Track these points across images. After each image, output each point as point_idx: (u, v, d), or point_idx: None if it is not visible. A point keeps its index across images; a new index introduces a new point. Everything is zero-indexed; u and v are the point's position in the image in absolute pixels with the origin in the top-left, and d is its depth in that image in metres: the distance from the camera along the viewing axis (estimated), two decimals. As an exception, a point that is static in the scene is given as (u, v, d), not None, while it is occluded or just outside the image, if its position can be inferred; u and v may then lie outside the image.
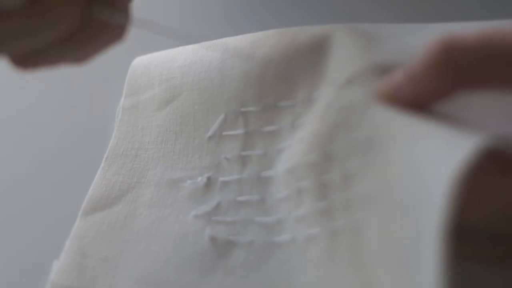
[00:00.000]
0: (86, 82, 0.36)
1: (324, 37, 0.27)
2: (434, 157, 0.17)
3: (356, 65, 0.24)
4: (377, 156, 0.21)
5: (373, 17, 0.35)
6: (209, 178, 0.27)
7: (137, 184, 0.28)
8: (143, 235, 0.26)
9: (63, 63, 0.25)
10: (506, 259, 0.20)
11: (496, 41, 0.17)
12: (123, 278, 0.25)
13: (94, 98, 0.35)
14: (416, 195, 0.17)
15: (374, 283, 0.20)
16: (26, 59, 0.23)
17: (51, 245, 0.27)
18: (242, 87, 0.28)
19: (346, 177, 0.22)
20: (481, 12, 0.33)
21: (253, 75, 0.28)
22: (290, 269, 0.23)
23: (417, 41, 0.23)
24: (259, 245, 0.24)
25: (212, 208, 0.26)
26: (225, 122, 0.28)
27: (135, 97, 0.31)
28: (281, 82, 0.27)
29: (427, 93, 0.19)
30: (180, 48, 0.31)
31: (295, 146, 0.25)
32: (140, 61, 0.32)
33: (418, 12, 0.35)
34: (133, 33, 0.29)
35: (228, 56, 0.29)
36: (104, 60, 0.35)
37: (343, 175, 0.23)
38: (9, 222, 0.30)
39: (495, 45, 0.17)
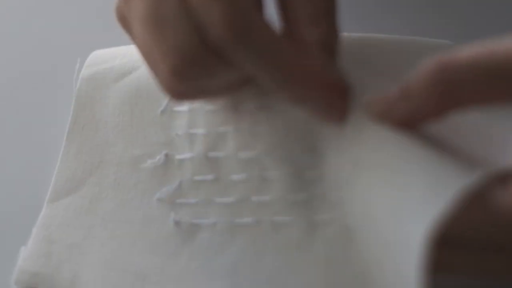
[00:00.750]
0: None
1: None
2: (418, 198, 0.18)
3: None
4: (363, 179, 0.22)
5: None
6: (166, 156, 0.27)
7: (100, 163, 0.28)
8: (108, 220, 0.26)
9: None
10: (491, 267, 0.21)
11: (490, 59, 0.17)
12: (89, 263, 0.25)
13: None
14: (397, 234, 0.19)
15: (368, 273, 0.21)
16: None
17: (19, 232, 0.27)
18: None
19: (337, 181, 0.23)
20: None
21: None
22: (256, 251, 0.24)
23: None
24: (222, 226, 0.25)
25: (174, 190, 0.26)
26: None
27: (94, 67, 0.31)
28: None
29: (421, 112, 0.20)
30: None
31: (262, 133, 0.26)
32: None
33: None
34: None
35: None
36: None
37: (335, 178, 0.24)
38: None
39: (489, 63, 0.17)
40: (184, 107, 0.28)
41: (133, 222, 0.26)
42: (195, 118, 0.27)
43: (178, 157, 0.27)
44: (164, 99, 0.28)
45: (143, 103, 0.29)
